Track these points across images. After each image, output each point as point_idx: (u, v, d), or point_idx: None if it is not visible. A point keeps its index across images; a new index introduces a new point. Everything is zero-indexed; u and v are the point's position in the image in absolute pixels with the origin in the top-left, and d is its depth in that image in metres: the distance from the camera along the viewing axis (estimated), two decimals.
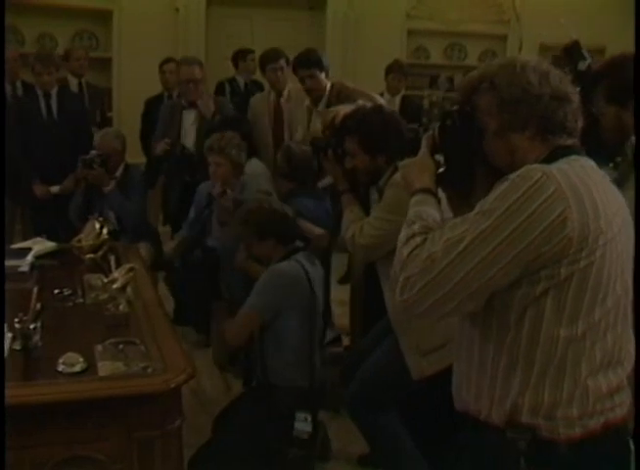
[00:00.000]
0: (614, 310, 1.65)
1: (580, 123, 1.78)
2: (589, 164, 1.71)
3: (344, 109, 3.62)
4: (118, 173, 4.90)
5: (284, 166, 4.31)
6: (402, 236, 1.73)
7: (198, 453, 3.13)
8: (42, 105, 5.49)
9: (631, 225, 1.72)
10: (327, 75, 4.90)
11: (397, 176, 2.81)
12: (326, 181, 4.19)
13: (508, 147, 1.75)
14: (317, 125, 4.85)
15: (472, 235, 1.58)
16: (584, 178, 1.62)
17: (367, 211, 3.08)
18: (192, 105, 5.35)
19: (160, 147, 5.22)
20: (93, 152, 4.73)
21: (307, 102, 5.03)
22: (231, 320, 3.35)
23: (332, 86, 4.89)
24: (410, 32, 8.16)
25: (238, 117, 5.34)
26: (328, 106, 4.75)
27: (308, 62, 4.84)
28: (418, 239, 1.67)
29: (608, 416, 1.67)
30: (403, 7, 8.03)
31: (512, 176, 1.61)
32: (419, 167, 1.93)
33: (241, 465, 3.10)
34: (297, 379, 3.28)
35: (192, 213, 4.76)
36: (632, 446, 1.73)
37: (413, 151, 2.47)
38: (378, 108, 3.27)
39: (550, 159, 1.69)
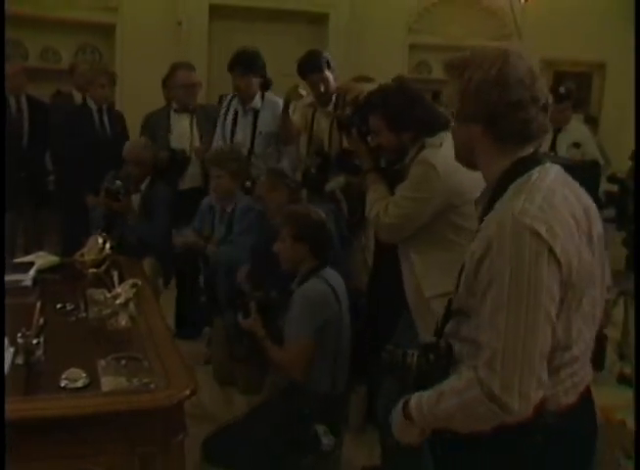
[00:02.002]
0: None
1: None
2: None
3: (368, 86, 3.55)
4: (144, 186, 4.90)
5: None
6: None
7: (218, 433, 3.20)
8: (96, 119, 5.57)
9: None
10: (334, 76, 4.85)
11: (424, 154, 2.80)
12: (333, 184, 4.20)
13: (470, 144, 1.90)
14: (322, 126, 4.86)
15: None
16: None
17: (392, 190, 2.99)
18: (186, 109, 5.40)
19: (161, 159, 5.23)
20: (118, 182, 4.74)
21: (307, 100, 5.01)
22: (283, 355, 3.30)
23: (340, 88, 4.80)
24: (412, 47, 8.16)
25: None
26: (336, 107, 4.76)
27: (318, 66, 4.75)
28: None
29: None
30: (405, 21, 8.05)
31: None
32: None
33: (255, 460, 3.10)
34: (320, 385, 3.28)
35: (196, 225, 4.79)
36: None
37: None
38: (402, 84, 3.17)
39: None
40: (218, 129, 5.21)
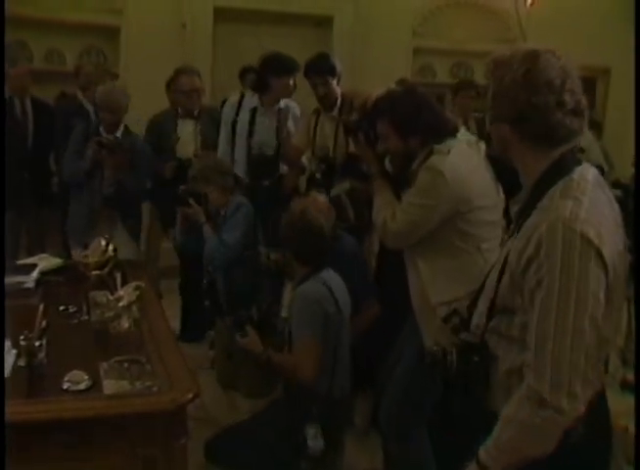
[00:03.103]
0: None
1: None
2: None
3: (376, 91, 3.55)
4: (119, 134, 4.90)
5: None
6: None
7: (222, 435, 3.22)
8: (93, 120, 5.49)
9: None
10: (339, 82, 4.86)
11: (432, 160, 2.79)
12: (337, 190, 4.19)
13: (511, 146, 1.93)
14: (326, 131, 4.86)
15: None
16: None
17: (399, 196, 2.98)
18: (189, 115, 5.39)
19: (170, 169, 5.25)
20: (112, 136, 4.78)
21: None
22: (289, 359, 3.28)
23: (345, 94, 4.79)
24: (416, 50, 8.17)
25: None
26: (341, 111, 4.76)
27: (321, 68, 4.75)
28: None
29: None
30: (409, 25, 8.05)
31: None
32: None
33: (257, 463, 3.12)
34: (320, 386, 3.25)
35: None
36: None
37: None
38: (410, 89, 3.16)
39: None
40: (223, 133, 5.20)
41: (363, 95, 3.89)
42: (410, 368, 3.03)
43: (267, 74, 4.98)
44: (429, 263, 2.86)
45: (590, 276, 1.69)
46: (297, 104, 5.27)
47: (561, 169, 1.85)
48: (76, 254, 4.63)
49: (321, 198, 3.90)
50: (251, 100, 5.12)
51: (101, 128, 4.86)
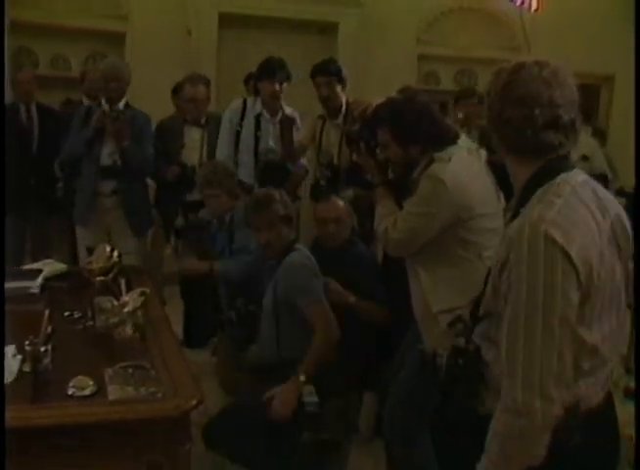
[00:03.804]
0: None
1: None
2: None
3: (376, 99, 3.56)
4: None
5: None
6: None
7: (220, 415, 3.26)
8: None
9: None
10: (344, 88, 4.88)
11: (433, 168, 2.79)
12: (344, 196, 4.19)
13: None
14: (331, 139, 4.87)
15: None
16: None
17: (400, 204, 2.99)
18: (196, 122, 5.42)
19: (172, 173, 5.27)
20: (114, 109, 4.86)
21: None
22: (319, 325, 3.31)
23: (355, 102, 4.79)
24: (421, 57, 8.19)
25: None
26: (345, 120, 4.77)
27: (327, 70, 4.79)
28: None
29: None
30: (414, 32, 8.07)
31: None
32: None
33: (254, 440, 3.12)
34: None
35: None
36: None
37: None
38: (410, 98, 3.18)
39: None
40: (225, 138, 5.20)
41: (363, 104, 3.91)
42: (413, 373, 3.03)
43: (257, 79, 5.05)
44: (430, 272, 2.87)
45: (557, 276, 1.69)
46: (297, 110, 5.28)
47: (545, 176, 1.85)
48: (81, 236, 4.88)
49: (340, 202, 3.95)
50: (255, 106, 5.14)
51: (103, 101, 4.93)
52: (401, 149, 2.90)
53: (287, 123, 5.01)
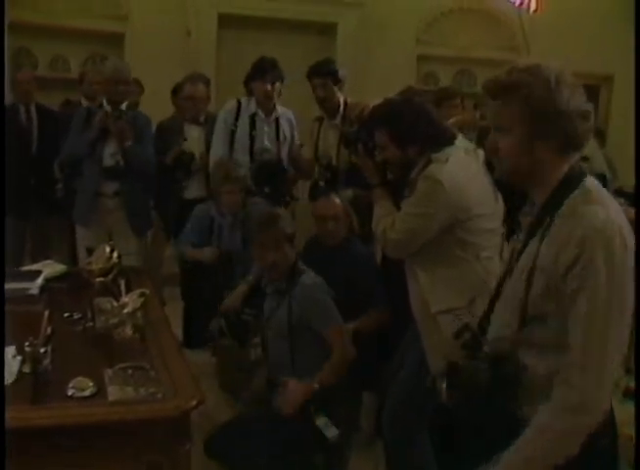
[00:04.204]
0: None
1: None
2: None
3: (374, 101, 3.56)
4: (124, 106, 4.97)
5: None
6: None
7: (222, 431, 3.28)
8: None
9: None
10: (341, 88, 4.87)
11: (430, 169, 2.79)
12: (343, 196, 4.20)
13: (531, 157, 1.90)
14: (330, 139, 4.87)
15: None
16: None
17: (398, 205, 2.99)
18: (195, 121, 5.47)
19: (171, 157, 5.32)
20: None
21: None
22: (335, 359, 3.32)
23: (352, 104, 4.82)
24: (420, 58, 8.18)
25: None
26: (343, 120, 4.77)
27: (322, 71, 4.80)
28: None
29: None
30: (414, 32, 8.06)
31: None
32: None
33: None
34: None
35: (191, 236, 4.78)
36: None
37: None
38: (407, 98, 3.19)
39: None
40: (220, 138, 5.18)
41: (360, 105, 3.90)
42: (413, 373, 3.03)
43: (250, 79, 5.06)
44: (428, 272, 2.87)
45: (630, 275, 1.77)
46: (297, 110, 5.30)
47: (575, 178, 1.90)
48: (82, 236, 4.87)
49: (338, 200, 3.96)
50: (249, 106, 5.14)
51: (104, 102, 4.92)
52: (399, 150, 2.90)
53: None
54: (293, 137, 5.24)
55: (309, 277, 3.43)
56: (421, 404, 2.99)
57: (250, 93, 5.18)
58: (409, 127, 2.87)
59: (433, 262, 2.85)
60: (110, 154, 4.88)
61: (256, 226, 3.53)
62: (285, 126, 5.19)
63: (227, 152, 5.11)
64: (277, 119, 5.16)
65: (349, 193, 4.38)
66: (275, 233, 3.41)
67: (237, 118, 5.14)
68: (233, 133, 5.12)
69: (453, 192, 2.73)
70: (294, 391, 3.22)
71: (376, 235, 3.05)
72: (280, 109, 5.17)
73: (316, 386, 3.20)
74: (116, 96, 4.90)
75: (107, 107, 4.88)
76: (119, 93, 4.90)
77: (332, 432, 3.13)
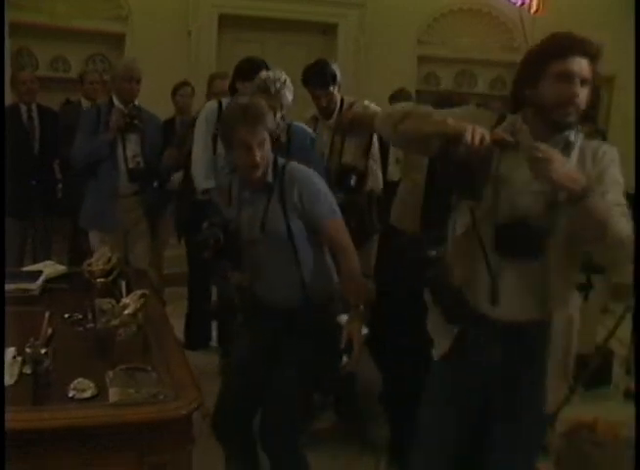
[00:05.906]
0: None
1: None
2: None
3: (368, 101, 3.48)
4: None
5: None
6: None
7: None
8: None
9: None
10: (339, 88, 4.83)
11: None
12: (338, 196, 4.19)
13: None
14: (324, 139, 4.84)
15: None
16: None
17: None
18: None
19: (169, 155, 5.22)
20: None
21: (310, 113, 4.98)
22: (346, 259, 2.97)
23: (351, 104, 4.76)
24: (421, 58, 8.19)
25: None
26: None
27: (323, 80, 4.69)
28: None
29: None
30: (414, 33, 8.07)
31: None
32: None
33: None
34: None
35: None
36: None
37: None
38: None
39: None
40: (202, 140, 4.87)
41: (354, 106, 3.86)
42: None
43: (235, 79, 4.82)
44: None
45: None
46: (296, 110, 5.27)
47: None
48: (96, 240, 4.83)
49: None
50: None
51: (116, 102, 4.92)
52: None
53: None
54: None
55: (297, 165, 3.09)
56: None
57: (232, 93, 5.00)
58: None
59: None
60: (132, 156, 4.87)
61: (240, 120, 2.92)
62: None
63: (210, 155, 4.82)
64: None
65: (340, 196, 4.35)
66: (262, 129, 2.94)
67: (218, 120, 5.02)
68: (215, 136, 4.77)
69: None
70: (354, 328, 2.88)
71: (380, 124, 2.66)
72: None
73: (362, 308, 2.89)
74: (128, 95, 4.90)
75: (120, 106, 4.87)
76: (131, 91, 4.91)
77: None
